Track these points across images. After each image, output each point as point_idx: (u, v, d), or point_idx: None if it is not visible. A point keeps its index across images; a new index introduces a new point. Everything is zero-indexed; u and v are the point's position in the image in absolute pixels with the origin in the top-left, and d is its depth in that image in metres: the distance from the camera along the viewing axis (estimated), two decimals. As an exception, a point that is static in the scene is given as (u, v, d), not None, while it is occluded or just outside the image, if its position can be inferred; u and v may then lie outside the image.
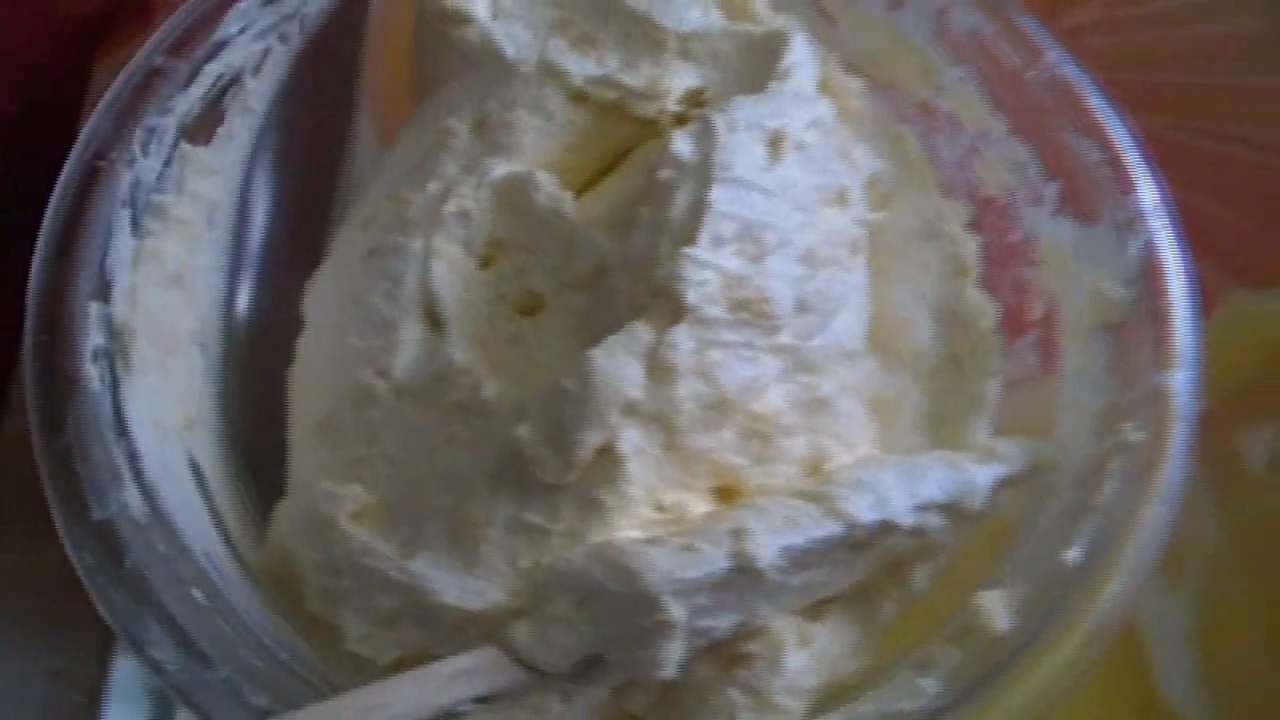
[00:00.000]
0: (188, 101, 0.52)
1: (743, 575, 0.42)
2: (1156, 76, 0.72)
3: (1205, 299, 0.64)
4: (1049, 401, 0.52)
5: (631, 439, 0.44)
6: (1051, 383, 0.53)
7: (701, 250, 0.46)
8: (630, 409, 0.44)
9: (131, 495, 0.45)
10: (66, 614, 0.57)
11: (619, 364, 0.44)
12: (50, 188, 0.49)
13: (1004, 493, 0.49)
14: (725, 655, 0.46)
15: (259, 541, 0.50)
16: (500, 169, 0.52)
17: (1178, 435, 0.47)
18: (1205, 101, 0.72)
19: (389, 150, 0.57)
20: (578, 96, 0.54)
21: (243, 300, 0.57)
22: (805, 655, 0.47)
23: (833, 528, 0.44)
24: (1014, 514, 0.50)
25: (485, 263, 0.52)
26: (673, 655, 0.42)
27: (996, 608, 0.46)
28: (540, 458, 0.44)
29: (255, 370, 0.55)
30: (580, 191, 0.54)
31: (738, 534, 0.42)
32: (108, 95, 0.51)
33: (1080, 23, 0.74)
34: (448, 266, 0.50)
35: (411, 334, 0.49)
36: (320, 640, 0.47)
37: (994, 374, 0.54)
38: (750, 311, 0.46)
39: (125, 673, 0.56)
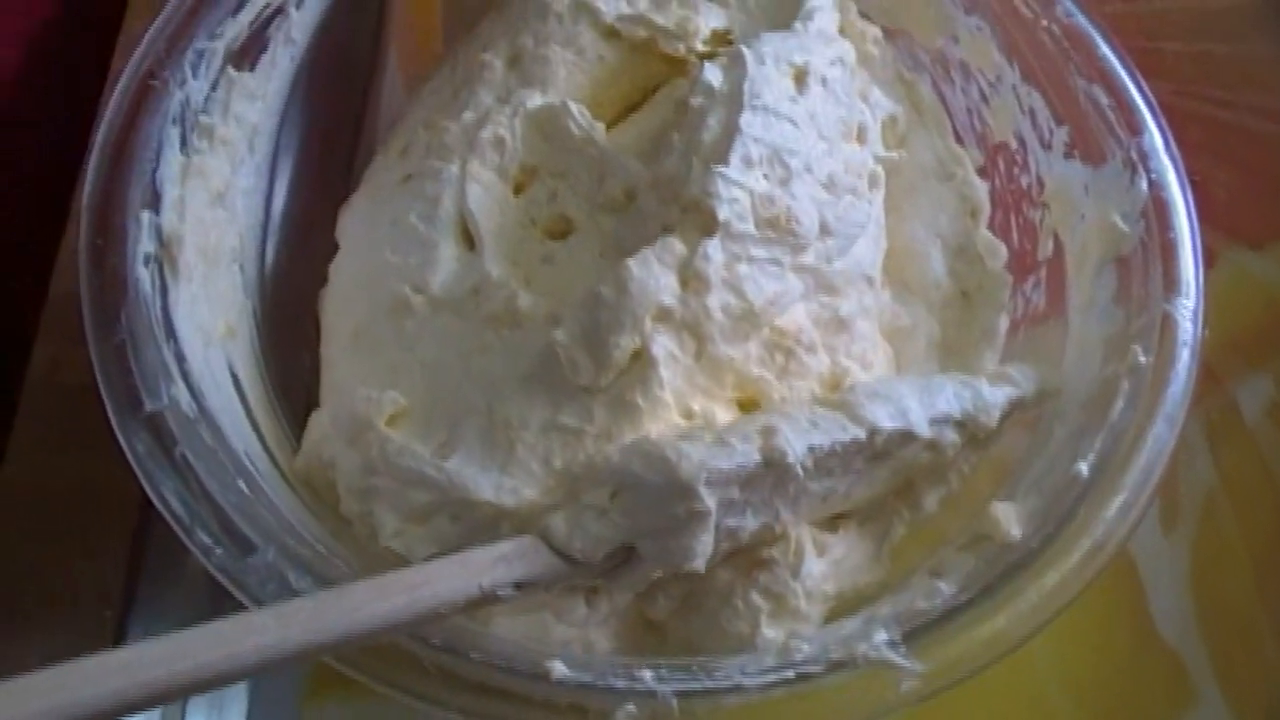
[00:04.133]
0: (235, 28, 0.54)
1: (771, 471, 0.44)
2: (1158, 44, 0.75)
3: (1204, 257, 0.66)
4: (1055, 337, 0.54)
5: (664, 344, 0.46)
6: (1057, 320, 0.55)
7: (732, 170, 0.48)
8: (663, 315, 0.46)
9: (180, 391, 0.47)
10: (93, 530, 0.58)
11: (654, 272, 0.46)
12: (89, 95, 0.51)
13: (1013, 419, 0.51)
14: (747, 561, 0.48)
15: (292, 452, 0.51)
16: (535, 100, 0.54)
17: (1183, 360, 0.49)
18: (1205, 68, 0.75)
19: (423, 84, 0.59)
20: (609, 33, 0.56)
21: (275, 226, 0.58)
22: (822, 563, 0.49)
23: (856, 432, 0.46)
24: (1018, 451, 0.52)
25: (518, 188, 0.54)
26: (704, 547, 0.43)
27: (1009, 517, 0.47)
28: (576, 361, 0.46)
29: (286, 294, 0.57)
30: (609, 125, 0.56)
31: (768, 431, 0.44)
32: (160, 17, 0.52)
33: (1085, -10, 0.77)
34: (483, 190, 0.52)
35: (448, 252, 0.51)
36: (353, 546, 0.48)
37: (1002, 308, 0.57)
38: (777, 230, 0.48)
39: (152, 588, 0.58)
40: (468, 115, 0.54)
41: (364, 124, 0.64)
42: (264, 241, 0.57)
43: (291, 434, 0.52)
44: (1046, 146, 0.57)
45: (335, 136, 0.63)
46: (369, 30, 0.65)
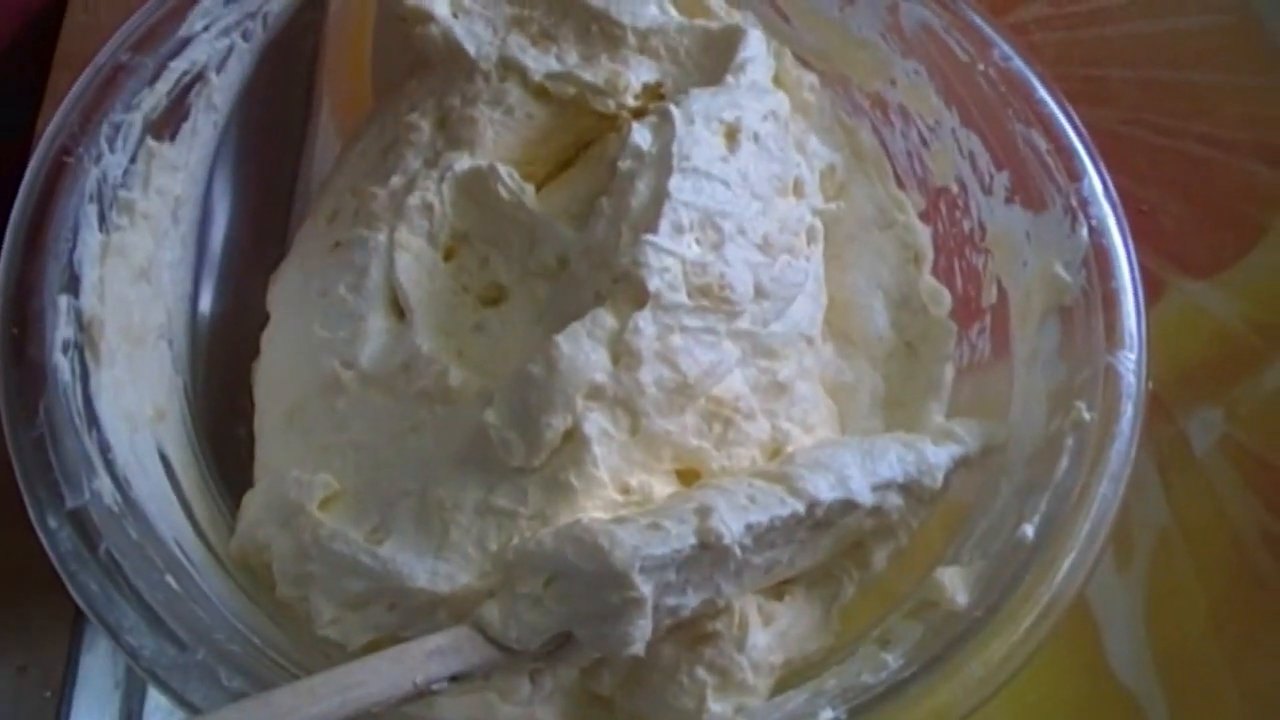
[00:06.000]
0: (153, 98, 0.52)
1: (708, 552, 0.43)
2: (1102, 71, 0.74)
3: (1151, 288, 0.66)
4: (1002, 385, 0.54)
5: (596, 422, 0.45)
6: (1003, 367, 0.54)
7: (662, 238, 0.47)
8: (595, 393, 0.45)
9: (104, 484, 0.45)
10: (32, 609, 0.57)
11: (584, 349, 0.45)
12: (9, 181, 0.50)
13: (960, 473, 0.51)
14: (691, 635, 0.47)
15: (228, 531, 0.50)
16: (463, 163, 0.53)
17: (1127, 414, 0.49)
18: (1150, 97, 0.74)
19: (349, 145, 0.58)
20: (538, 91, 0.55)
21: (206, 295, 0.57)
22: (769, 633, 0.48)
23: (795, 506, 0.45)
24: (968, 497, 0.51)
25: (448, 254, 0.52)
26: (641, 632, 0.42)
27: (955, 584, 0.47)
28: (507, 442, 0.45)
29: (220, 364, 0.56)
30: (541, 184, 0.55)
31: (703, 512, 0.43)
32: (73, 91, 0.51)
33: (1025, 19, 0.76)
34: (412, 258, 0.51)
35: (377, 324, 0.50)
36: (291, 627, 0.47)
37: (948, 358, 0.56)
38: (711, 298, 0.48)
39: (93, 667, 0.57)
40: (395, 180, 0.53)
41: (298, 185, 0.62)
42: (194, 314, 0.56)
43: (229, 513, 0.51)
44: (987, 191, 0.56)
45: (269, 199, 0.62)
46: (301, 88, 0.64)
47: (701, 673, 0.46)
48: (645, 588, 0.42)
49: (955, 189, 0.58)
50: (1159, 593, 0.61)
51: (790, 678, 0.48)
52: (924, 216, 0.59)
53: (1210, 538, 0.62)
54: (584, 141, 0.56)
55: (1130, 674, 0.59)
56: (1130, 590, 0.61)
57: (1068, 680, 0.59)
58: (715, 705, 0.46)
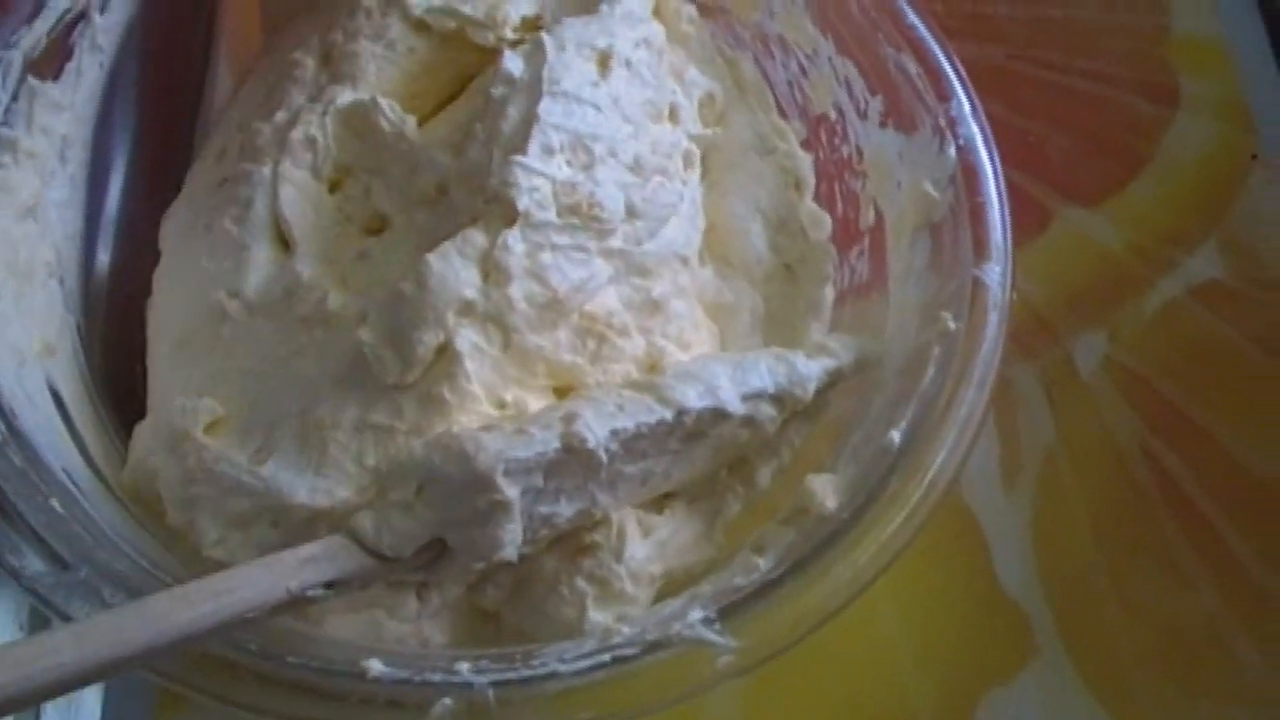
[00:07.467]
0: (33, 36, 0.52)
1: (574, 457, 0.44)
2: (993, 8, 0.76)
3: (1038, 216, 0.68)
4: (880, 306, 0.55)
5: (468, 338, 0.46)
6: (881, 288, 0.56)
7: (531, 159, 0.48)
8: (466, 309, 0.46)
9: (-15, 413, 0.46)
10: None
11: (454, 266, 0.46)
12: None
13: (837, 389, 0.52)
14: (571, 547, 0.48)
15: (122, 466, 0.51)
16: (345, 96, 0.54)
17: (992, 323, 0.50)
18: (1038, 33, 0.76)
19: (239, 86, 0.59)
20: (419, 26, 0.56)
21: (104, 238, 0.57)
22: (647, 544, 0.49)
23: (663, 413, 0.46)
24: (848, 415, 0.53)
25: (333, 186, 0.53)
26: (510, 536, 0.44)
27: (825, 490, 0.48)
28: (382, 359, 0.46)
29: (118, 305, 0.56)
30: (426, 118, 0.56)
31: (569, 418, 0.45)
32: (-53, 26, 0.51)
33: (919, -40, 0.77)
34: (296, 190, 0.52)
35: (261, 255, 0.51)
36: (183, 553, 0.48)
37: (826, 279, 0.57)
38: (580, 216, 0.49)
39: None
40: (279, 115, 0.54)
41: (196, 129, 0.63)
42: (87, 253, 0.56)
43: (124, 449, 0.52)
44: (863, 116, 0.58)
45: (167, 141, 0.62)
46: (198, 32, 0.64)
47: (581, 583, 0.48)
48: (511, 491, 0.43)
49: (834, 115, 0.59)
50: (1045, 510, 0.62)
51: (673, 588, 0.49)
52: (806, 144, 0.61)
53: (1094, 455, 0.64)
54: (466, 76, 0.57)
55: (1017, 588, 0.60)
56: (1018, 509, 0.62)
57: (958, 596, 0.60)
58: (596, 615, 0.47)
